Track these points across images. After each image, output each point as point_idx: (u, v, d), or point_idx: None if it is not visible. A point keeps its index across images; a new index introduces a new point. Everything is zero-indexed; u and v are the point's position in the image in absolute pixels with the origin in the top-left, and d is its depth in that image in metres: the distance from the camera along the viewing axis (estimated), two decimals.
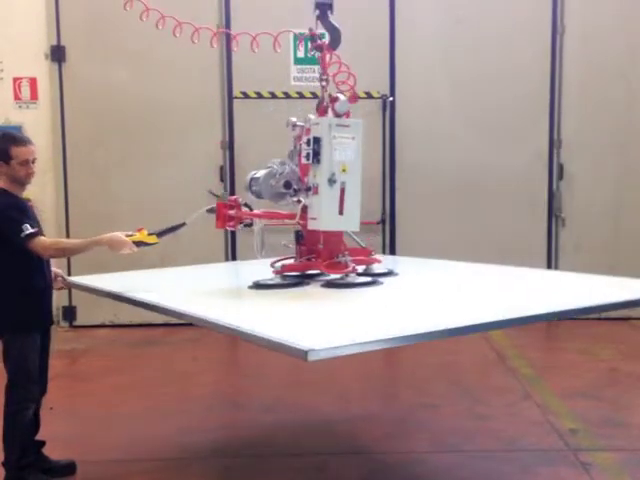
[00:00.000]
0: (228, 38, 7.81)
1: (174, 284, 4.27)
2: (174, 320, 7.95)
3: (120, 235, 3.78)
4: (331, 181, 3.58)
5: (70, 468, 4.18)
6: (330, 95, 3.78)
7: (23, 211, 3.81)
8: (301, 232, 3.80)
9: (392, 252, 8.20)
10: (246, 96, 7.56)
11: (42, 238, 3.74)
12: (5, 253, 3.76)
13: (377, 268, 4.01)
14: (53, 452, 4.15)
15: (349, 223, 3.72)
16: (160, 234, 3.89)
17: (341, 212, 3.63)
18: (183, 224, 3.90)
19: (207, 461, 4.42)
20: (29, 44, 7.92)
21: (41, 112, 7.99)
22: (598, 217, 8.29)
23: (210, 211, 3.96)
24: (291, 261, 3.88)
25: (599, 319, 8.21)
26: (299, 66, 7.87)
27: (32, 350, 3.87)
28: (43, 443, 4.13)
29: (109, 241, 3.75)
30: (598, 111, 8.18)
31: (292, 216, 3.78)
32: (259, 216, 3.80)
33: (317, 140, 3.60)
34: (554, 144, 8.22)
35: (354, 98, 3.70)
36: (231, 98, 8.01)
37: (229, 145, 8.04)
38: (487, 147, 8.17)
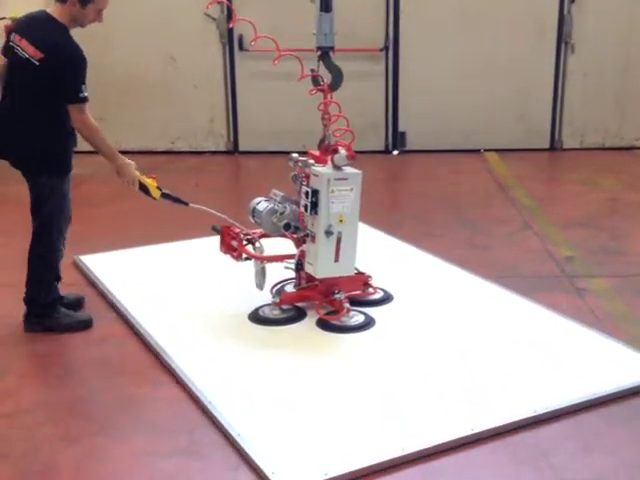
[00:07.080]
0: None
1: (169, 297, 4.30)
2: (176, 148, 8.05)
3: (134, 170, 3.86)
4: (328, 233, 3.73)
5: (78, 302, 4.21)
6: (330, 144, 3.84)
7: (86, 69, 3.72)
8: (301, 260, 3.96)
9: (395, 81, 8.01)
10: None
11: (88, 112, 3.70)
12: (58, 99, 3.67)
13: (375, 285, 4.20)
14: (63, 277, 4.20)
15: (344, 269, 3.88)
16: (164, 195, 3.98)
17: (337, 260, 3.80)
18: (186, 204, 4.04)
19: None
20: None
21: None
22: (609, 44, 7.97)
23: (214, 230, 4.15)
24: (291, 287, 4.15)
25: (602, 149, 8.18)
26: None
27: (69, 190, 3.90)
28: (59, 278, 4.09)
29: (125, 166, 3.84)
30: None
31: (292, 256, 4.00)
32: (260, 258, 3.97)
33: (315, 193, 3.71)
34: None
35: (352, 157, 3.72)
36: None
37: None
38: None
